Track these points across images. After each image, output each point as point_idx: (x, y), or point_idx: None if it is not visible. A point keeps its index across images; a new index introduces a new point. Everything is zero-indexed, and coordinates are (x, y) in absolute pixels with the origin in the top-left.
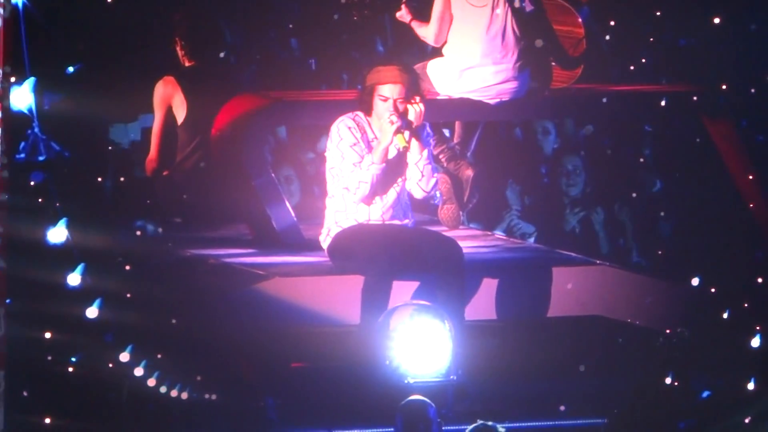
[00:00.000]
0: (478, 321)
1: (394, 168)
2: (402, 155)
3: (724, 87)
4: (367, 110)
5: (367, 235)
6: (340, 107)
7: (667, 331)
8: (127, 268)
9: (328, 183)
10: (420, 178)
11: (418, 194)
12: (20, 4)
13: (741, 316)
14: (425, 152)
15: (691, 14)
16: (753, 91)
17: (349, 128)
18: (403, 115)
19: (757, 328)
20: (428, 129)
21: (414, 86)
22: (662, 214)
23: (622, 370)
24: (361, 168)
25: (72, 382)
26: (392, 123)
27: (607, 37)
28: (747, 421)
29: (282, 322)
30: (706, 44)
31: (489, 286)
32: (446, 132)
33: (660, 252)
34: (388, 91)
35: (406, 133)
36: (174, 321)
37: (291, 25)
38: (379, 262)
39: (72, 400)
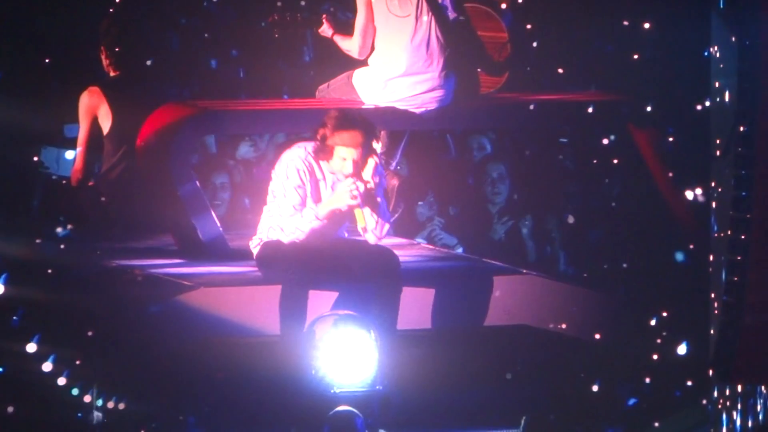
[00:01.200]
0: (406, 330)
1: (340, 218)
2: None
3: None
4: (322, 158)
5: (289, 245)
6: (267, 117)
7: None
8: (50, 276)
9: (268, 198)
10: (374, 227)
11: (371, 239)
12: None
13: (668, 323)
14: (380, 202)
15: (618, 20)
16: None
17: (298, 170)
18: (364, 193)
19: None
20: (379, 166)
21: (371, 146)
22: (585, 221)
23: (548, 378)
24: (302, 216)
25: None
26: (353, 199)
27: (534, 44)
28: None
29: (208, 332)
30: (634, 51)
31: (417, 296)
32: None
33: (586, 260)
34: (349, 154)
35: (366, 210)
36: (94, 331)
37: (219, 34)
38: (294, 271)
39: None
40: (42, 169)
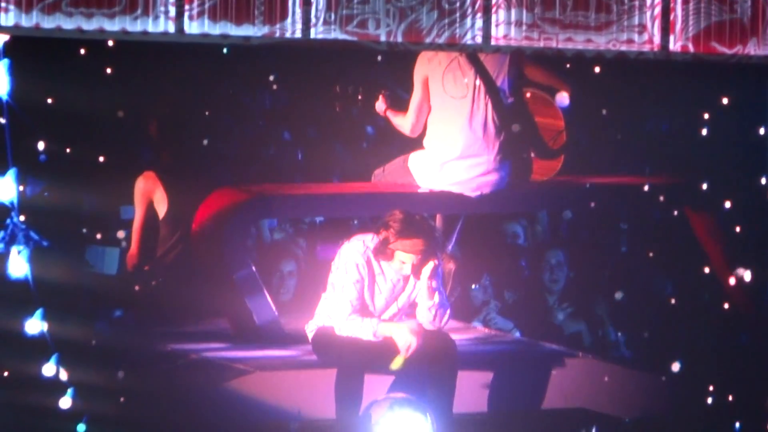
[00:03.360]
0: (462, 414)
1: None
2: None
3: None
4: (382, 258)
5: None
6: (323, 201)
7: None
8: (104, 359)
9: (328, 286)
10: (431, 319)
11: (428, 327)
12: (3, 97)
13: (726, 404)
14: (436, 296)
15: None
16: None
17: (357, 265)
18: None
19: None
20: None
21: (433, 251)
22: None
23: None
24: (362, 323)
25: None
26: (408, 348)
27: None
28: None
29: (263, 416)
30: (690, 130)
31: (473, 379)
32: None
33: (643, 343)
34: (409, 259)
35: (399, 359)
36: (149, 415)
37: (273, 117)
38: (349, 355)
39: None
40: (87, 268)
